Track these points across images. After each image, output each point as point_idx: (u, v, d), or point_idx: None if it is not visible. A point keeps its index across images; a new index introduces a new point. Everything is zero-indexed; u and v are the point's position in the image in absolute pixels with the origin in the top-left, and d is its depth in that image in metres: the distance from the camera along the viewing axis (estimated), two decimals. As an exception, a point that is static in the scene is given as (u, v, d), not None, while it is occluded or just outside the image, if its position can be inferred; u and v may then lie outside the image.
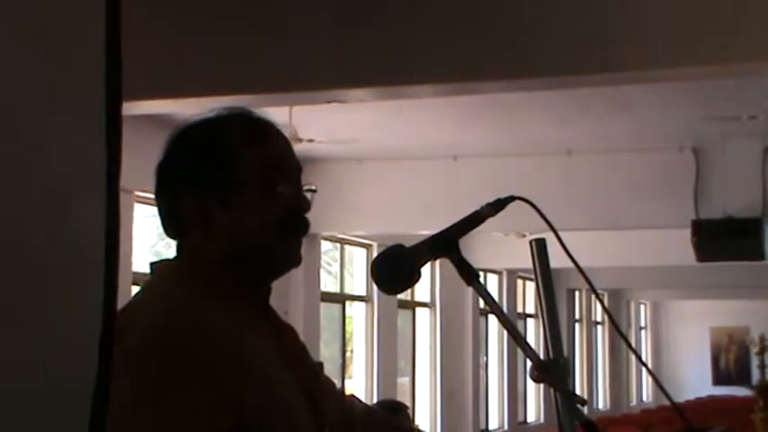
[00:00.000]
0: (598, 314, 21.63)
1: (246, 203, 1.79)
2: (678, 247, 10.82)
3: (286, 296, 10.14)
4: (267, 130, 1.86)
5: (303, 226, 1.81)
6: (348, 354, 13.17)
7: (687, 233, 9.78)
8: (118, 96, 1.54)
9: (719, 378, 25.80)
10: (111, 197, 1.56)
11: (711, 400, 20.38)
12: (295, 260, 1.82)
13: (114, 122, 1.54)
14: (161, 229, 1.87)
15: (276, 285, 1.87)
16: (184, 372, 1.60)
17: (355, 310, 13.15)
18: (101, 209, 1.53)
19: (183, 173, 1.81)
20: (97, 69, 1.54)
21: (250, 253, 1.79)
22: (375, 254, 9.60)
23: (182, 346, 1.63)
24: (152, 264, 1.86)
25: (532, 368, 1.70)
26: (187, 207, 1.79)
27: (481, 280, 1.77)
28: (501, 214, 1.80)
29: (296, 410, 1.73)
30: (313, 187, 1.86)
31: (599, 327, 22.11)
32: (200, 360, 1.62)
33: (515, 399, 17.19)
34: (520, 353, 1.84)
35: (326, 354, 12.16)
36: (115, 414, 1.58)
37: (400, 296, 12.79)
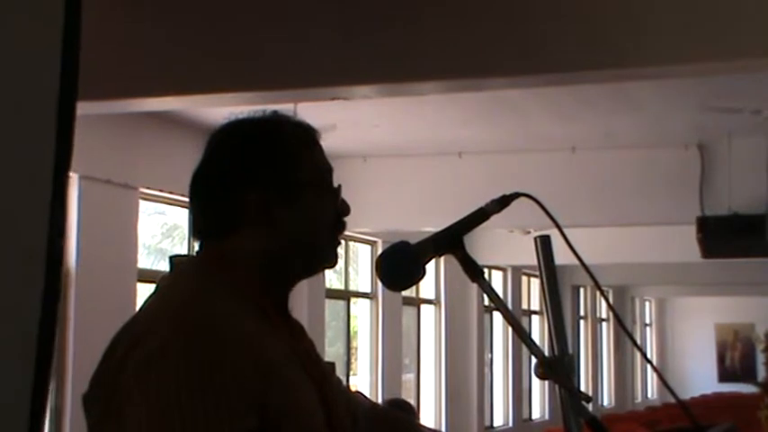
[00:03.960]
0: (603, 311, 21.62)
1: (308, 203, 1.82)
2: (683, 243, 10.81)
3: (291, 293, 10.13)
4: (314, 134, 1.91)
5: (345, 226, 1.89)
6: (353, 351, 13.17)
7: (692, 230, 9.77)
8: (72, 93, 1.53)
9: (725, 375, 25.78)
10: (57, 196, 1.55)
11: (717, 396, 20.37)
12: (337, 259, 1.89)
13: (66, 119, 1.53)
14: (183, 228, 1.88)
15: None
16: (209, 373, 1.60)
17: (360, 307, 13.15)
18: (45, 206, 1.53)
19: (244, 172, 1.81)
20: (52, 68, 1.54)
21: (306, 251, 1.83)
22: (380, 251, 9.53)
23: (206, 348, 1.62)
24: (172, 258, 1.86)
25: (537, 365, 1.70)
26: (246, 205, 1.79)
27: (486, 277, 1.78)
28: (505, 211, 1.81)
29: (314, 415, 1.74)
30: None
31: (604, 324, 22.10)
32: (224, 362, 1.62)
33: (520, 396, 17.18)
34: (525, 350, 1.84)
35: (331, 351, 12.16)
36: (143, 414, 1.59)
37: (405, 293, 12.79)
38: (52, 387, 7.56)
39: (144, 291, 8.37)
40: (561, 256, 1.84)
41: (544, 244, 1.78)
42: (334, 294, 12.26)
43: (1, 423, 1.54)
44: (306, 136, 1.88)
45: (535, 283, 17.47)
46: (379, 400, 12.33)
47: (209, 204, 1.84)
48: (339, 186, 1.89)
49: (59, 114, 1.56)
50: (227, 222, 1.81)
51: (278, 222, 1.80)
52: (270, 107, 1.94)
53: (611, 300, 20.69)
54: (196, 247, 1.88)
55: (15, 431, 1.51)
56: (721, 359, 26.31)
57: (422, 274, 1.79)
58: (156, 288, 1.81)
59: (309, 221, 1.82)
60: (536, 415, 18.10)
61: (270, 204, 1.79)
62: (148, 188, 8.70)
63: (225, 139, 1.86)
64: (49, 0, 1.56)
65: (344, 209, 1.87)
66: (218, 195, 1.82)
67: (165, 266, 1.89)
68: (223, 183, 1.82)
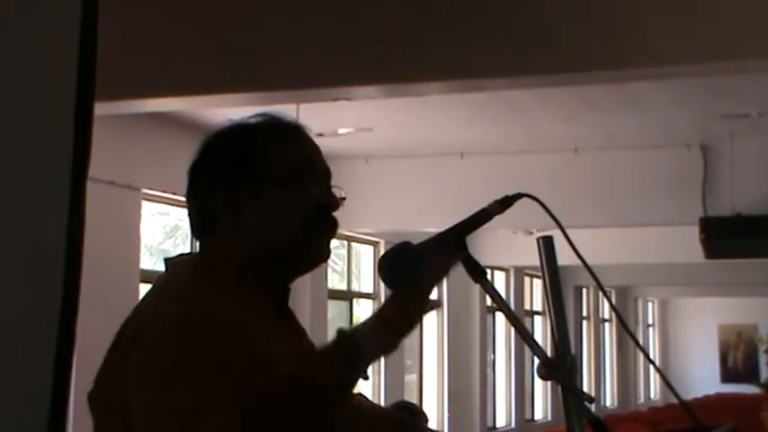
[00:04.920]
0: (605, 311, 21.59)
1: (276, 199, 1.82)
2: (686, 244, 10.79)
3: (293, 294, 10.13)
4: (297, 132, 1.90)
5: (331, 223, 1.86)
6: (355, 351, 13.15)
7: (695, 230, 9.76)
8: (89, 96, 1.54)
9: (728, 375, 25.75)
10: (76, 199, 1.55)
11: (719, 397, 20.35)
12: (323, 255, 1.87)
13: (84, 122, 1.54)
14: (186, 228, 1.90)
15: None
16: (205, 362, 1.61)
17: (362, 308, 13.15)
18: (64, 208, 1.53)
19: (214, 171, 1.84)
20: (69, 70, 1.54)
21: (278, 248, 1.82)
22: (382, 251, 9.51)
23: (204, 336, 1.64)
24: (167, 260, 1.86)
25: (540, 365, 1.70)
26: (218, 204, 1.81)
27: (488, 277, 1.77)
28: (508, 211, 1.80)
29: None
30: (343, 194, 1.89)
31: (606, 324, 22.08)
32: (219, 354, 1.63)
33: (523, 396, 17.17)
34: (527, 350, 1.84)
35: (334, 351, 12.13)
36: (147, 400, 1.60)
37: (407, 294, 12.75)
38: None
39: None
40: (564, 256, 1.84)
41: (547, 245, 1.78)
42: (336, 295, 12.25)
43: (21, 428, 1.54)
44: (280, 131, 1.88)
45: (538, 283, 17.46)
46: (382, 401, 12.32)
47: (191, 205, 1.88)
48: (318, 183, 1.86)
49: (77, 114, 1.56)
50: (207, 222, 1.84)
51: (246, 220, 1.81)
52: (272, 108, 1.94)
53: (613, 300, 20.67)
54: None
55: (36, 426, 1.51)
56: (724, 360, 26.28)
57: (424, 274, 1.79)
58: (153, 286, 1.82)
59: (279, 217, 1.81)
60: (539, 416, 18.09)
61: (236, 203, 1.81)
62: (151, 189, 8.70)
63: (201, 144, 1.90)
64: (67, 2, 1.56)
65: (330, 203, 1.85)
66: (196, 196, 1.86)
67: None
68: (197, 184, 1.86)
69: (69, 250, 1.57)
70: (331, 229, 1.86)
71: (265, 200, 1.81)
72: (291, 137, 1.89)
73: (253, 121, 1.90)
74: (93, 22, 1.57)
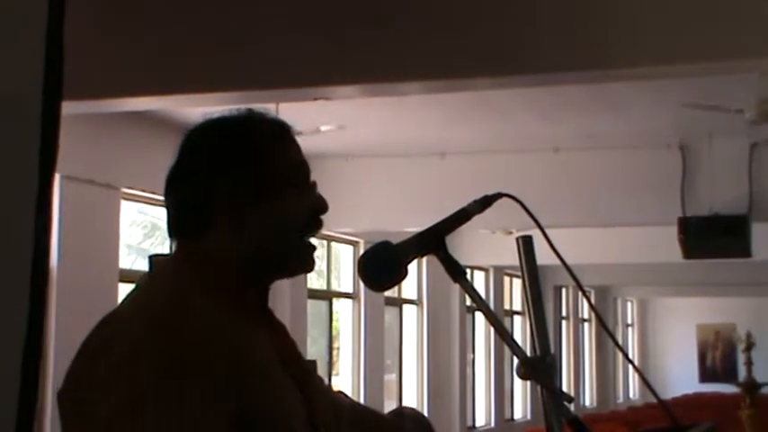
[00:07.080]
0: (585, 311, 21.66)
1: (278, 198, 1.78)
2: (665, 244, 10.83)
3: (273, 293, 10.10)
4: (289, 131, 1.87)
5: (321, 225, 1.83)
6: (335, 351, 13.16)
7: (674, 230, 9.80)
8: (56, 94, 1.53)
9: (706, 375, 25.87)
10: (43, 196, 1.55)
11: (698, 396, 20.43)
12: (311, 263, 1.83)
13: (51, 122, 1.52)
14: (165, 228, 1.83)
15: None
16: (180, 374, 1.57)
17: (342, 308, 13.14)
18: (31, 207, 1.52)
19: (210, 170, 1.78)
20: (36, 69, 1.53)
21: (275, 252, 1.79)
22: (362, 251, 9.51)
23: (180, 349, 1.59)
24: (151, 257, 1.83)
25: (519, 365, 1.70)
26: (217, 203, 1.77)
27: (468, 277, 1.77)
28: (488, 211, 1.80)
29: (295, 417, 1.72)
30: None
31: (586, 324, 22.15)
32: (198, 362, 1.59)
33: (502, 396, 17.20)
34: (507, 350, 1.84)
35: (313, 351, 12.14)
36: (114, 415, 1.57)
37: (387, 293, 12.76)
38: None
39: (126, 291, 8.34)
40: (543, 256, 1.84)
41: (526, 244, 1.78)
42: (316, 294, 12.24)
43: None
44: (277, 131, 1.85)
45: (517, 283, 17.50)
46: (362, 400, 12.33)
47: (180, 204, 1.81)
48: (314, 182, 1.85)
49: (44, 115, 1.55)
50: (198, 222, 1.78)
51: (246, 219, 1.77)
52: (251, 107, 1.91)
53: (593, 300, 20.73)
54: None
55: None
56: (702, 359, 26.40)
57: (404, 274, 1.78)
58: (136, 287, 1.79)
59: (280, 218, 1.78)
60: (518, 415, 18.13)
61: (238, 201, 1.77)
62: (130, 188, 8.68)
63: (193, 138, 1.83)
64: (33, 0, 1.55)
65: (321, 205, 1.83)
66: (188, 194, 1.79)
67: (146, 266, 1.88)
68: (192, 182, 1.79)
69: (37, 248, 1.55)
70: (319, 231, 1.84)
71: (269, 198, 1.78)
72: (284, 135, 1.85)
73: (246, 117, 1.85)
74: (59, 22, 1.56)
